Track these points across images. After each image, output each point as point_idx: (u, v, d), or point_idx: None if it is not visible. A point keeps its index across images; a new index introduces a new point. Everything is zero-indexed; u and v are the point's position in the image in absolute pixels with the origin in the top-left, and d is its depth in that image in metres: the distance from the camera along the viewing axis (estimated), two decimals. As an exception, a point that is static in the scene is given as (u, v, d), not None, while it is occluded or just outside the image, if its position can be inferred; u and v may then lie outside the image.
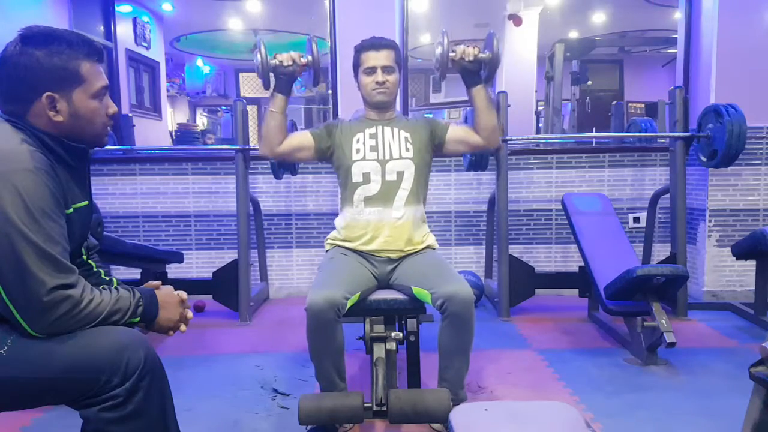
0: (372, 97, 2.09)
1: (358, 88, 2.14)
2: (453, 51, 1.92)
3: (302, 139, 2.08)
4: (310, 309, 1.77)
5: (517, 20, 6.12)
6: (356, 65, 2.12)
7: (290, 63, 1.92)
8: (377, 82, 2.05)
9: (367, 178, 2.04)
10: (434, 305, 1.86)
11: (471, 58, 1.92)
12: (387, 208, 2.03)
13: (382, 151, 2.06)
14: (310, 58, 1.93)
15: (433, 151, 2.13)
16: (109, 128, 1.30)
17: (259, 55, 1.91)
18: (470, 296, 1.81)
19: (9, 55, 1.17)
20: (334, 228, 2.17)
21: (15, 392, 1.13)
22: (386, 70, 2.06)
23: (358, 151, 2.06)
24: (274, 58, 1.93)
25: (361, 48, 2.10)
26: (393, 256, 2.05)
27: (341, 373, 1.90)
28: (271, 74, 1.96)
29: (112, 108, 1.28)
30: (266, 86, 1.98)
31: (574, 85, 6.54)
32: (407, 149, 2.07)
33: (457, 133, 2.11)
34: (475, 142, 2.07)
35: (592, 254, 2.90)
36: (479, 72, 1.97)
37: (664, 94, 3.36)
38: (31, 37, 1.18)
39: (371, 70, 2.06)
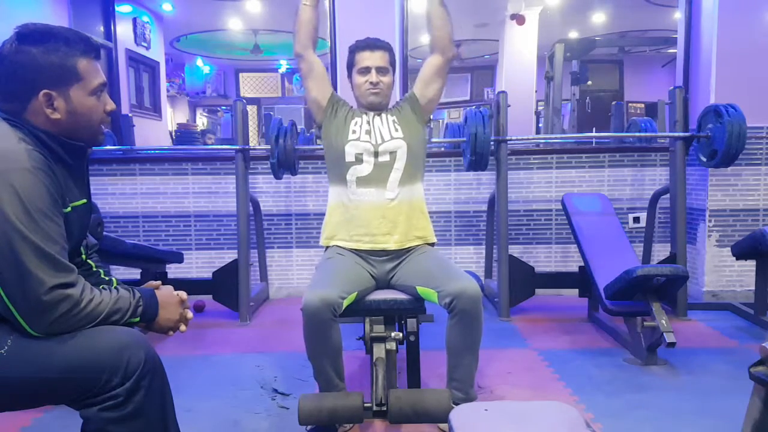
0: (365, 98, 2.11)
1: (352, 89, 2.16)
2: None
3: (325, 76, 2.16)
4: (306, 309, 1.76)
5: (520, 19, 6.12)
6: (350, 65, 2.14)
7: None
8: (371, 83, 2.08)
9: (359, 159, 2.06)
10: (441, 303, 1.85)
11: None
12: (380, 189, 2.04)
13: (374, 136, 2.09)
14: None
15: (422, 117, 2.16)
16: (105, 126, 1.29)
17: None
18: (478, 293, 1.82)
19: (5, 53, 1.16)
20: None
21: (15, 392, 1.12)
22: (380, 70, 2.08)
23: (354, 132, 2.09)
24: None
25: (356, 48, 2.12)
26: (390, 247, 2.03)
27: (339, 373, 1.89)
28: None
29: (110, 105, 1.27)
30: None
31: (574, 85, 6.54)
32: (396, 129, 2.10)
33: (419, 79, 2.17)
34: (435, 61, 2.12)
35: (592, 254, 2.90)
36: None
37: (664, 94, 3.36)
38: (28, 35, 1.17)
39: (365, 70, 2.08)
